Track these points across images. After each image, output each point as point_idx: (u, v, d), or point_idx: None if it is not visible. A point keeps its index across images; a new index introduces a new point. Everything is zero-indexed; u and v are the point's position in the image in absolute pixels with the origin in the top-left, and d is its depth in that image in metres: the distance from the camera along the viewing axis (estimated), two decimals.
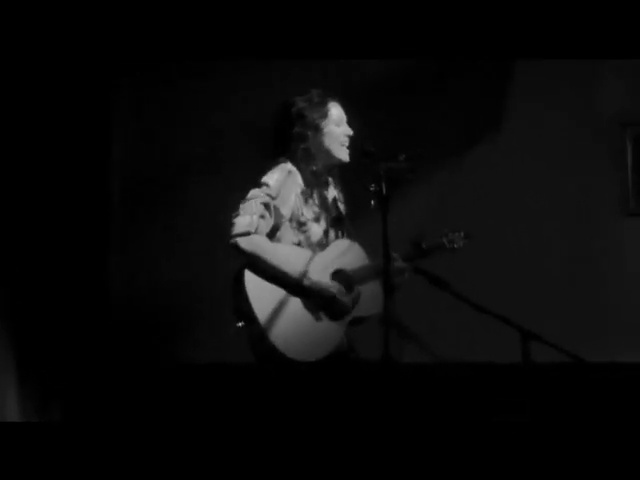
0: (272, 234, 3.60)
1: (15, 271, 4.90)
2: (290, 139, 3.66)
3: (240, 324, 3.52)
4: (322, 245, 3.68)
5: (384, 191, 3.34)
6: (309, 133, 3.66)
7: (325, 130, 3.68)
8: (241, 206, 3.55)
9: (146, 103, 5.39)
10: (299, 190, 3.65)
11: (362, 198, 3.45)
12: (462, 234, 3.84)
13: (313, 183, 3.68)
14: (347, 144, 3.71)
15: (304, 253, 3.60)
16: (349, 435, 3.55)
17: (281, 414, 3.55)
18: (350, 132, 3.72)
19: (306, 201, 3.67)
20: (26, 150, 4.97)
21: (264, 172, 3.65)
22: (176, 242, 5.32)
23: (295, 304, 3.55)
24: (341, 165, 3.75)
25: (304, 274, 3.53)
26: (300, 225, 3.65)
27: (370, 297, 3.59)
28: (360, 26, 4.97)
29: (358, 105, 3.84)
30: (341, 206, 3.80)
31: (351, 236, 3.77)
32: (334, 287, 3.59)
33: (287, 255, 3.56)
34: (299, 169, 3.65)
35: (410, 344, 4.93)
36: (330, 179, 3.77)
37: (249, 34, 4.99)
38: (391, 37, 5.03)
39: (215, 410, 4.97)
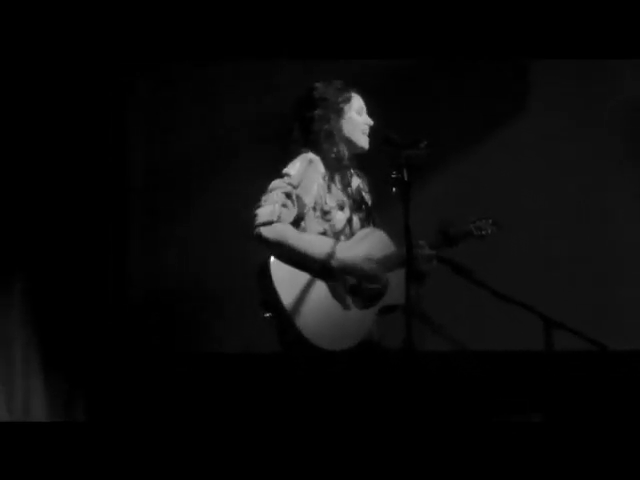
0: (296, 224, 3.58)
1: (38, 272, 4.93)
2: (312, 120, 3.65)
3: (268, 315, 3.51)
4: (347, 233, 3.66)
5: (405, 178, 3.33)
6: (332, 115, 3.65)
7: (347, 116, 3.68)
8: (263, 198, 3.54)
9: (162, 100, 5.40)
10: (321, 179, 3.63)
11: (384, 186, 3.43)
12: (490, 221, 3.79)
13: (335, 170, 3.67)
14: (367, 133, 3.71)
15: (329, 240, 3.59)
16: (370, 424, 3.55)
17: (301, 405, 3.55)
18: (371, 122, 3.73)
19: (329, 189, 3.65)
20: (46, 148, 5.01)
21: (285, 163, 3.64)
22: (194, 236, 5.32)
23: (323, 293, 3.53)
24: (361, 153, 3.74)
25: (331, 255, 3.52)
26: (324, 214, 3.63)
27: (399, 285, 3.49)
28: (366, 26, 4.98)
29: (374, 97, 3.82)
30: (365, 195, 3.78)
31: (377, 225, 3.76)
32: (364, 263, 3.56)
33: (312, 241, 3.55)
34: (321, 157, 3.64)
35: (432, 332, 4.93)
36: (352, 170, 3.76)
37: (257, 34, 5.02)
38: (398, 37, 5.04)
39: (238, 401, 4.97)
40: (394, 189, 3.35)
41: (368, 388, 3.56)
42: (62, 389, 4.95)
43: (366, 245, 3.64)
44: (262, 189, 3.58)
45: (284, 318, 3.45)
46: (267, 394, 4.42)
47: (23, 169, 4.93)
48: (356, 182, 3.76)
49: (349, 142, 3.70)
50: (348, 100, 3.69)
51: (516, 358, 5.00)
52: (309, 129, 3.66)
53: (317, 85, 3.70)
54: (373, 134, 3.73)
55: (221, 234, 5.17)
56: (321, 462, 3.48)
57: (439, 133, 4.73)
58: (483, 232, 3.77)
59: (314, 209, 3.62)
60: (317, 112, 3.64)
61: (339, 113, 3.66)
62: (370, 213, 3.76)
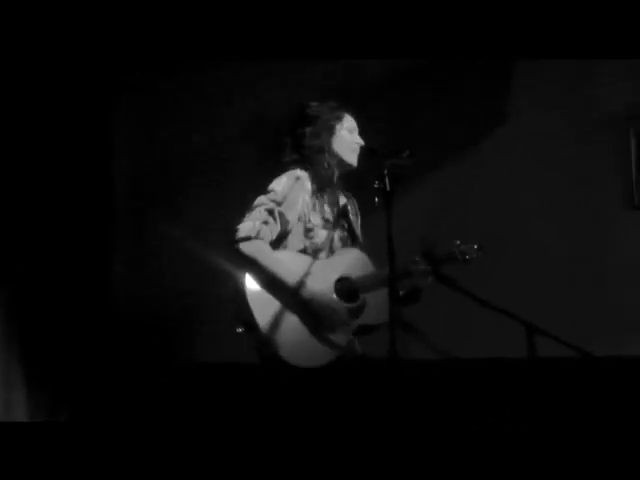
0: (279, 241, 3.61)
1: (20, 274, 4.92)
2: (303, 136, 3.71)
3: (240, 329, 3.51)
4: (327, 251, 3.68)
5: (388, 187, 3.34)
6: (323, 132, 3.72)
7: (338, 133, 3.75)
8: (247, 214, 3.58)
9: (148, 104, 5.39)
10: (307, 196, 3.66)
11: (367, 197, 3.44)
12: (475, 246, 3.77)
13: (323, 187, 3.70)
14: (357, 152, 3.73)
15: (305, 260, 3.60)
16: (355, 432, 3.55)
17: (287, 413, 3.55)
18: (361, 142, 3.76)
19: (314, 207, 3.68)
20: (28, 154, 4.98)
21: (272, 179, 3.67)
22: (179, 243, 5.31)
23: (295, 312, 3.54)
24: (349, 170, 3.75)
25: (301, 283, 3.52)
26: (307, 231, 3.66)
27: (378, 305, 3.52)
28: (362, 26, 4.97)
29: (359, 103, 3.86)
30: (352, 217, 3.80)
31: (359, 246, 3.76)
32: (329, 303, 3.56)
33: (287, 262, 3.57)
34: (310, 173, 3.67)
35: (416, 340, 4.93)
36: (340, 190, 3.78)
37: (250, 35, 5.00)
38: (392, 37, 5.04)
39: (221, 410, 4.96)
40: (377, 199, 3.36)
41: (352, 398, 3.56)
42: (45, 403, 4.93)
43: (344, 264, 3.65)
44: (250, 200, 3.60)
45: (258, 335, 3.45)
46: (251, 405, 4.41)
47: (6, 177, 4.91)
48: (343, 200, 3.79)
49: (338, 159, 3.74)
50: (340, 118, 3.76)
51: (500, 365, 5.01)
52: (301, 144, 3.71)
53: (311, 104, 3.77)
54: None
55: (207, 243, 5.16)
56: (302, 469, 3.48)
57: (427, 138, 4.80)
58: (467, 257, 3.75)
59: (297, 225, 3.63)
60: (309, 129, 3.70)
61: (330, 130, 3.73)
62: (353, 234, 3.77)
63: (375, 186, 3.37)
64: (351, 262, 3.67)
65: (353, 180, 3.81)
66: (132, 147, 5.40)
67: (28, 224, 4.98)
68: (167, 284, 5.33)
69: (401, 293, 3.72)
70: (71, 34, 4.90)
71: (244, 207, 3.63)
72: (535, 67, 5.33)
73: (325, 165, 3.70)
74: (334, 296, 3.58)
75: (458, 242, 3.76)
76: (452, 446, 3.84)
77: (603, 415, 4.65)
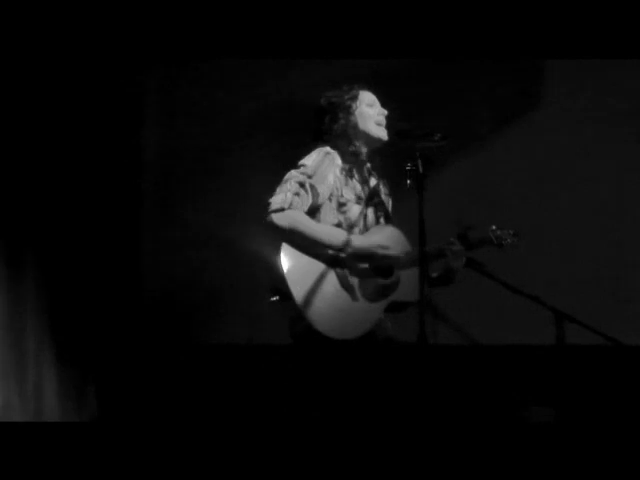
0: (312, 214, 3.59)
1: (51, 266, 4.96)
2: (322, 123, 3.69)
3: (274, 298, 3.52)
4: (361, 227, 3.66)
5: (420, 170, 3.33)
6: (340, 115, 3.67)
7: (357, 111, 3.69)
8: (277, 188, 3.57)
9: (176, 97, 5.43)
10: (338, 171, 3.64)
11: (398, 179, 3.43)
12: (512, 232, 3.73)
13: (353, 165, 3.68)
14: (384, 123, 3.71)
15: (341, 231, 3.59)
16: (381, 416, 3.55)
17: (313, 395, 3.55)
18: (385, 111, 3.73)
19: (346, 182, 3.66)
20: (64, 143, 5.05)
21: (303, 156, 3.66)
22: (208, 226, 5.32)
23: (332, 282, 3.53)
24: (381, 146, 3.73)
25: (344, 243, 3.52)
26: (340, 205, 3.64)
27: (410, 283, 3.51)
28: (377, 25, 4.98)
29: (386, 91, 3.82)
30: (383, 196, 3.78)
31: (393, 223, 3.75)
32: (377, 248, 3.55)
33: (324, 229, 3.56)
34: (338, 152, 3.65)
35: (445, 326, 4.92)
36: (371, 170, 3.76)
37: (267, 32, 5.03)
38: (411, 36, 5.05)
39: (249, 392, 4.99)
40: (409, 182, 3.35)
41: (380, 382, 3.56)
42: (75, 384, 4.97)
43: (379, 238, 3.64)
44: (278, 181, 3.60)
45: (293, 306, 3.46)
46: (278, 385, 4.43)
47: (39, 164, 4.97)
48: (374, 181, 3.77)
49: (366, 135, 3.70)
50: (355, 97, 3.71)
51: (528, 352, 5.00)
52: (322, 133, 3.69)
53: (325, 94, 3.73)
54: (387, 125, 3.72)
55: (236, 225, 5.17)
56: (330, 455, 3.49)
57: (457, 125, 4.78)
58: (503, 242, 3.71)
59: (330, 200, 3.63)
60: (327, 117, 3.68)
61: (348, 110, 3.68)
62: (386, 212, 3.75)
63: (407, 168, 3.35)
64: (387, 238, 3.65)
65: (384, 162, 3.78)
66: (160, 134, 5.43)
67: (59, 208, 5.03)
68: (197, 267, 5.35)
69: (434, 275, 3.71)
70: (102, 29, 4.99)
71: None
72: (566, 63, 5.30)
73: (352, 147, 3.67)
74: (379, 238, 3.57)
75: (494, 227, 3.73)
76: (478, 432, 3.84)
77: (632, 403, 4.64)
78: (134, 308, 5.23)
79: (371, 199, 3.71)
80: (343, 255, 3.53)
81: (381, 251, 3.56)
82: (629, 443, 3.79)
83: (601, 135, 5.30)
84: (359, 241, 3.57)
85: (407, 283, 3.58)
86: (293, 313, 3.49)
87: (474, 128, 5.23)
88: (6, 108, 4.87)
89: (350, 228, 3.63)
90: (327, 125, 3.68)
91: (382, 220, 3.74)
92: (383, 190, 3.79)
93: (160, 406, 4.97)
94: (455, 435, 3.79)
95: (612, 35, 5.01)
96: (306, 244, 3.50)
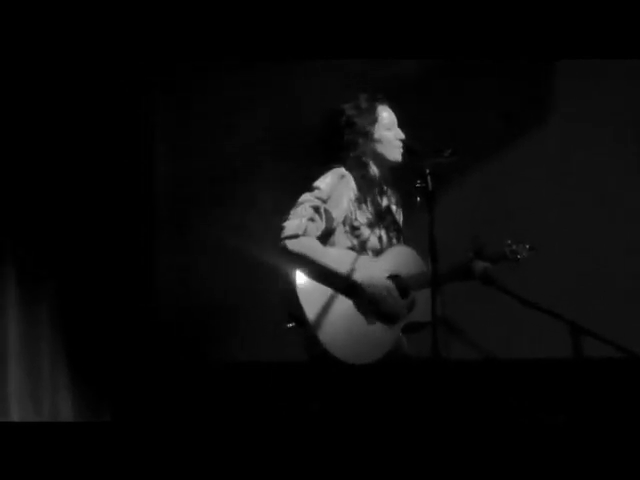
0: (325, 239, 3.57)
1: (66, 274, 4.98)
2: (340, 148, 3.64)
3: (290, 325, 3.51)
4: (376, 251, 3.64)
5: (430, 187, 3.32)
6: (360, 140, 3.63)
7: (376, 136, 3.65)
8: (292, 211, 3.54)
9: (190, 111, 5.42)
10: (352, 194, 3.61)
11: (408, 196, 3.42)
12: (527, 246, 3.70)
13: (366, 189, 3.65)
14: (400, 147, 3.65)
15: (355, 256, 3.56)
16: (396, 431, 3.54)
17: (333, 412, 3.54)
18: (402, 135, 3.66)
19: (359, 206, 3.63)
20: (75, 157, 5.07)
21: (317, 177, 3.63)
22: (222, 245, 5.32)
23: (347, 306, 3.51)
24: (394, 167, 3.71)
25: (355, 273, 3.50)
26: (353, 229, 3.61)
27: (427, 303, 3.44)
28: (392, 25, 4.99)
29: (397, 100, 3.80)
30: (396, 215, 3.76)
31: (407, 243, 3.73)
32: (385, 287, 3.55)
33: (338, 256, 3.53)
34: (352, 175, 3.63)
35: (458, 340, 4.90)
36: (385, 187, 3.74)
37: (287, 35, 5.05)
38: (422, 37, 5.05)
39: (262, 409, 4.98)
40: (418, 199, 3.34)
41: (395, 398, 3.55)
42: (90, 406, 4.98)
43: (393, 262, 3.61)
44: (291, 201, 3.58)
45: (308, 331, 3.44)
46: (296, 403, 4.42)
47: (53, 188, 5.00)
48: (387, 200, 3.74)
49: (382, 159, 3.67)
50: (375, 120, 3.65)
51: (544, 366, 4.97)
52: (338, 154, 3.64)
53: (342, 109, 3.66)
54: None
55: (251, 243, 5.17)
56: (348, 471, 3.48)
57: (466, 140, 4.76)
58: (518, 256, 3.69)
59: (343, 224, 3.61)
60: (345, 138, 3.63)
61: (367, 136, 3.63)
62: (400, 231, 3.74)
63: (417, 186, 3.35)
64: (401, 259, 3.63)
65: (394, 179, 3.77)
66: (174, 150, 5.44)
67: (73, 223, 5.05)
68: (211, 282, 5.35)
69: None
70: (112, 39, 5.00)
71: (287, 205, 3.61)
72: (579, 64, 5.28)
73: (367, 172, 3.65)
74: (388, 281, 3.56)
75: (509, 241, 3.70)
76: (491, 445, 3.82)
77: None
78: (149, 329, 5.23)
79: (383, 219, 3.70)
80: (354, 283, 3.51)
81: (385, 295, 3.53)
82: None
83: (621, 144, 5.27)
84: (367, 270, 3.53)
85: (423, 303, 3.55)
86: (308, 337, 3.48)
87: (484, 141, 5.21)
88: (22, 138, 4.92)
89: (364, 251, 3.61)
90: (345, 149, 3.64)
91: (395, 240, 3.72)
92: (394, 205, 3.76)
93: (176, 427, 4.96)
94: (470, 450, 3.77)
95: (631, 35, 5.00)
96: (317, 272, 3.48)
